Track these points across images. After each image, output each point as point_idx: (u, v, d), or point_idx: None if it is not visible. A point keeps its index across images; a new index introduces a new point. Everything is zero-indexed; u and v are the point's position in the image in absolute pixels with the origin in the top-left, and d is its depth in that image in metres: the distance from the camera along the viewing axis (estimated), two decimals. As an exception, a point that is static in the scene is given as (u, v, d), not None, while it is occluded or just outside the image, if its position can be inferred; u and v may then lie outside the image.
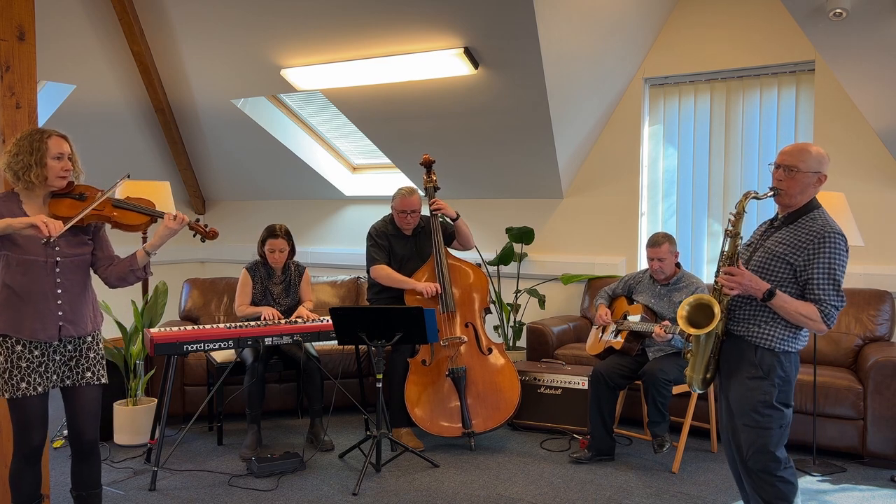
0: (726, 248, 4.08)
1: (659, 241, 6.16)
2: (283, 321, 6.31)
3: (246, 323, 6.24)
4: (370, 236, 6.76)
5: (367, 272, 6.78)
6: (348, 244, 9.77)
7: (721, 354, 4.17)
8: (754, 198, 4.04)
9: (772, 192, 4.05)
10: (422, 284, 6.51)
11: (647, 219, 8.11)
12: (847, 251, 3.92)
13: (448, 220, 6.76)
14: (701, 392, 4.33)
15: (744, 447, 4.05)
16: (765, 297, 3.89)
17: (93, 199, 4.23)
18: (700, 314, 4.07)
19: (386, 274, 6.62)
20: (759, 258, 4.07)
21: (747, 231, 4.19)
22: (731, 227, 4.07)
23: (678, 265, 6.28)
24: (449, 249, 6.78)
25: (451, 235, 6.85)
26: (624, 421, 6.87)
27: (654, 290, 6.29)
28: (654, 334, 5.88)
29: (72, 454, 4.39)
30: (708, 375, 4.18)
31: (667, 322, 5.91)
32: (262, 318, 6.35)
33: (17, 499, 4.24)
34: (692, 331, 4.05)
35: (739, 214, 4.07)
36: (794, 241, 3.95)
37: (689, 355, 4.22)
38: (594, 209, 8.27)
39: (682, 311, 4.11)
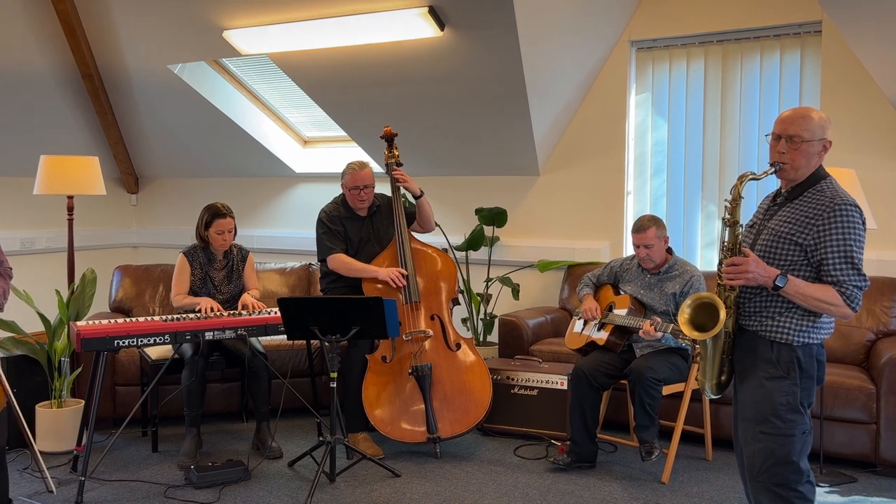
0: (726, 239, 4.05)
1: (644, 226, 6.14)
2: (223, 314, 6.29)
3: (184, 315, 6.22)
4: (321, 222, 6.75)
5: (321, 262, 6.77)
6: (299, 227, 9.73)
7: (734, 353, 4.13)
8: (753, 178, 4.03)
9: (773, 169, 4.01)
10: (385, 271, 6.48)
11: (633, 199, 8.11)
12: (864, 224, 3.87)
13: (411, 197, 6.78)
14: (716, 398, 4.27)
15: (758, 459, 3.99)
16: (776, 285, 3.84)
17: None
18: (703, 315, 4.04)
19: (343, 263, 6.61)
20: (763, 241, 4.04)
21: (748, 211, 4.14)
22: (728, 216, 4.04)
23: (669, 251, 6.28)
24: (412, 232, 6.78)
25: (411, 216, 6.86)
26: (608, 425, 6.86)
27: (643, 279, 6.30)
28: (642, 332, 5.88)
29: None
30: (723, 378, 4.15)
31: (657, 318, 5.90)
32: (197, 311, 6.31)
33: None
34: (697, 335, 4.01)
35: (736, 199, 4.03)
36: (801, 217, 3.92)
37: (697, 358, 4.17)
38: (574, 188, 8.26)
39: (684, 315, 4.07)
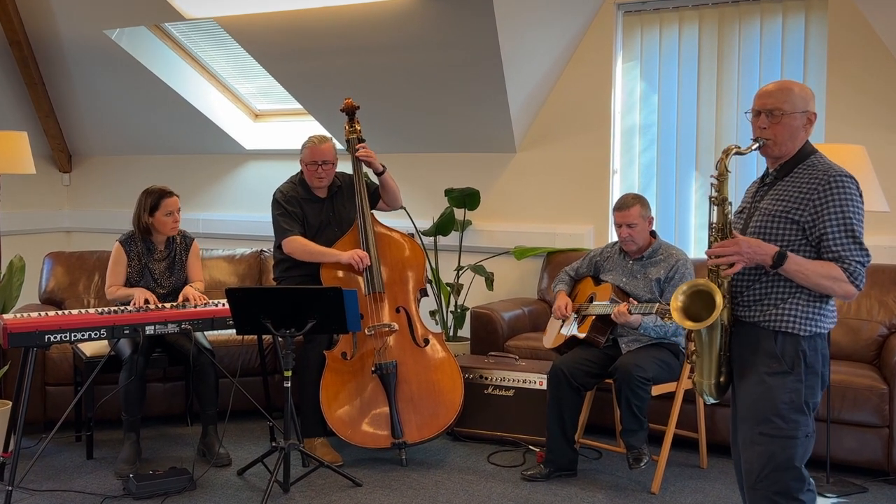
0: (714, 219, 4.09)
1: (628, 204, 6.18)
2: (159, 306, 6.26)
3: (122, 308, 6.15)
4: (277, 203, 6.74)
5: (276, 247, 6.78)
6: (249, 209, 9.76)
7: (732, 349, 4.13)
8: (737, 153, 4.10)
9: (756, 145, 4.08)
10: (347, 254, 6.48)
11: (620, 178, 8.12)
12: (860, 195, 3.93)
13: (373, 175, 6.79)
14: (716, 402, 4.25)
15: (757, 464, 3.98)
16: (775, 263, 3.86)
17: None
18: (698, 304, 4.04)
19: (301, 246, 6.60)
20: (756, 223, 4.07)
21: (736, 197, 4.16)
22: (715, 193, 4.10)
23: (653, 234, 6.30)
24: (375, 215, 6.77)
25: (375, 196, 6.88)
26: (592, 429, 6.82)
27: (624, 266, 6.31)
28: (613, 316, 5.91)
29: None
30: (722, 379, 4.16)
31: (634, 300, 5.94)
32: (132, 304, 6.26)
33: None
34: (690, 325, 4.02)
35: (723, 174, 4.10)
36: (795, 193, 3.97)
37: (693, 356, 4.17)
38: (555, 166, 8.26)
39: (677, 303, 4.09)
